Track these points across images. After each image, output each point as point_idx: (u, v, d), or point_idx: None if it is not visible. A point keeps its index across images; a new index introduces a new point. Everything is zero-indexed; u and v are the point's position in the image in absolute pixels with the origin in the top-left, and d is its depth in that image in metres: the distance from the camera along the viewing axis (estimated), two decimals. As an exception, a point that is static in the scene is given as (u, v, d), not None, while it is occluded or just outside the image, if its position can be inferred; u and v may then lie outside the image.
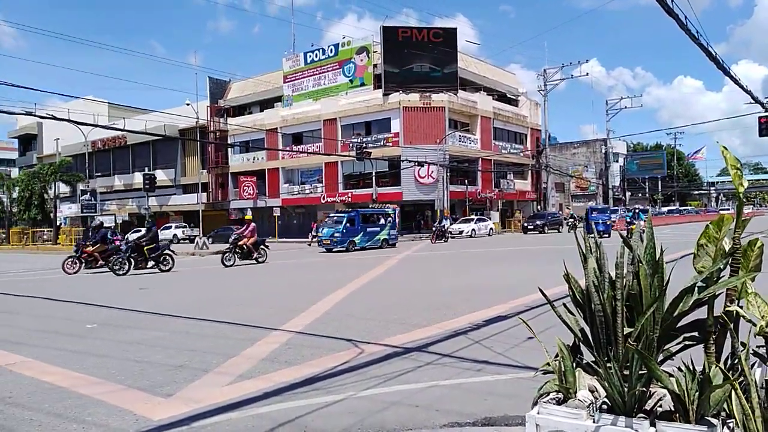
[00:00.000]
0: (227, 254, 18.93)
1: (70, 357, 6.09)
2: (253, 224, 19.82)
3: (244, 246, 19.06)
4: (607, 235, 28.39)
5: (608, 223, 32.23)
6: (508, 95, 50.95)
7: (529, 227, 41.13)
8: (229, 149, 49.14)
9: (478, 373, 5.08)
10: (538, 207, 51.78)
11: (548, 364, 2.64)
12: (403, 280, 13.42)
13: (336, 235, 26.23)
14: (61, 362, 5.84)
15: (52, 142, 55.31)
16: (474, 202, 43.99)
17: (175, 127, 48.08)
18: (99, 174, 55.66)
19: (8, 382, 5.16)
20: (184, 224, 47.05)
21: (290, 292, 11.53)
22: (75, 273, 17.50)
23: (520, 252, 21.88)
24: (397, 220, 29.52)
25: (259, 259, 19.37)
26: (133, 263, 16.86)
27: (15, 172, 61.79)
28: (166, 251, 17.82)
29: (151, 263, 17.20)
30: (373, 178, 39.39)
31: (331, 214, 30.05)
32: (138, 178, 45.90)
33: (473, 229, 37.07)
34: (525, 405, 3.38)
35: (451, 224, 35.29)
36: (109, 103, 60.08)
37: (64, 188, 52.78)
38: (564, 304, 3.07)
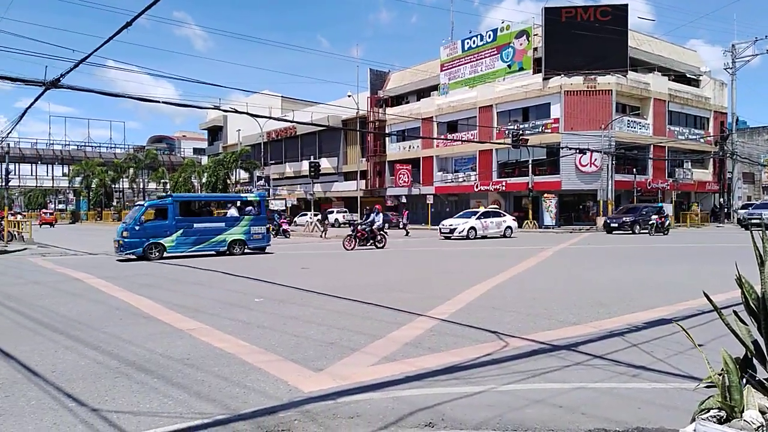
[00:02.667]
0: None
1: (239, 327, 6.78)
2: None
3: None
4: None
5: None
6: (687, 75, 45.84)
7: (612, 224, 31.03)
8: (387, 138, 50.73)
9: (634, 378, 4.68)
10: (721, 199, 46.15)
11: (710, 377, 2.34)
12: (550, 273, 12.82)
13: (124, 234, 16.92)
14: (231, 331, 6.53)
15: (235, 133, 61.82)
16: (643, 193, 40.48)
17: (338, 117, 50.89)
18: (272, 162, 60.93)
19: (187, 345, 5.90)
20: (345, 209, 49.73)
21: (436, 280, 11.62)
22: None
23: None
24: (265, 213, 19.73)
25: None
26: None
27: (204, 160, 70.09)
28: None
29: None
30: (530, 166, 38.05)
31: (138, 203, 21.89)
32: (305, 166, 49.36)
33: (472, 228, 26.29)
34: (684, 419, 3.04)
35: (385, 221, 22.89)
36: (282, 96, 65.43)
37: (243, 174, 58.83)
38: (735, 312, 2.70)
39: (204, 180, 58.21)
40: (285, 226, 30.45)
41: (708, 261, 15.09)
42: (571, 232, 32.60)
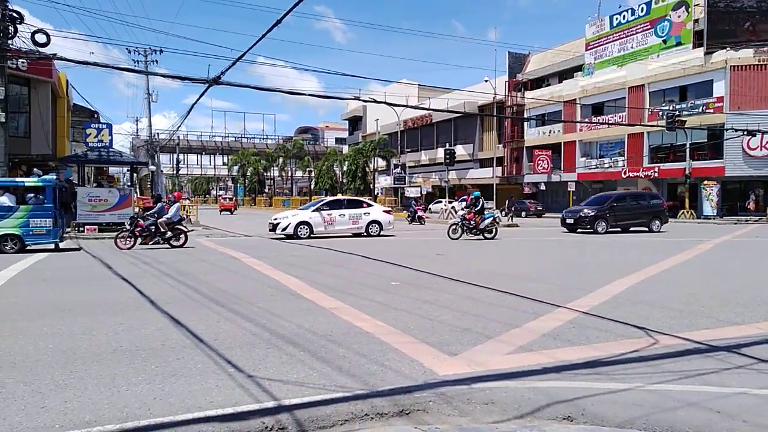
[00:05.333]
0: None
1: (377, 308, 7.05)
2: None
3: None
4: None
5: None
6: None
7: (568, 220, 22.81)
8: (525, 123, 49.11)
9: (810, 388, 4.13)
10: None
11: None
12: (709, 267, 11.61)
13: None
14: (370, 311, 6.81)
15: (373, 122, 63.72)
16: (829, 180, 35.08)
17: (474, 103, 50.23)
18: (408, 149, 61.93)
19: (330, 323, 6.26)
20: (480, 197, 49.16)
21: (578, 271, 11.09)
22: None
23: None
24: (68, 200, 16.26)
25: None
26: None
27: (345, 149, 73.21)
28: None
29: None
30: (687, 150, 34.67)
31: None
32: (440, 153, 49.53)
33: (304, 224, 19.54)
34: None
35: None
36: (418, 85, 66.05)
37: (380, 163, 60.55)
38: None
39: (345, 168, 60.85)
40: (420, 213, 31.10)
41: None
42: (735, 224, 29.24)
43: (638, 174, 38.78)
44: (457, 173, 52.50)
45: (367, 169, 58.44)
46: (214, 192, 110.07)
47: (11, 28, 18.59)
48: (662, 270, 10.85)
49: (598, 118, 42.06)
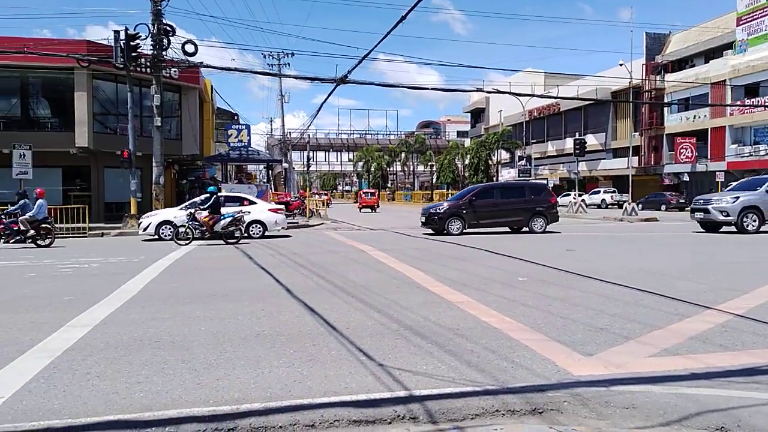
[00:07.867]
0: None
1: (503, 303, 6.92)
2: None
3: None
4: None
5: None
6: None
7: (421, 218, 19.29)
8: (665, 109, 45.31)
9: None
10: None
11: None
12: None
13: None
14: (497, 307, 6.70)
15: (497, 113, 62.41)
16: None
17: (607, 89, 47.36)
18: (534, 141, 59.86)
19: (457, 317, 6.25)
20: (613, 189, 46.25)
21: (731, 270, 10.04)
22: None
23: None
24: None
25: None
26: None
27: (467, 142, 72.52)
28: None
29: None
30: None
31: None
32: (569, 144, 47.32)
33: (166, 224, 17.36)
34: None
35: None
36: (545, 72, 63.58)
37: (504, 155, 59.23)
38: None
39: (467, 161, 60.37)
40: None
41: None
42: None
43: (803, 161, 34.27)
44: (587, 164, 49.84)
45: (489, 162, 57.52)
46: (340, 187, 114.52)
47: (165, 41, 20.72)
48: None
49: (753, 100, 37.68)
